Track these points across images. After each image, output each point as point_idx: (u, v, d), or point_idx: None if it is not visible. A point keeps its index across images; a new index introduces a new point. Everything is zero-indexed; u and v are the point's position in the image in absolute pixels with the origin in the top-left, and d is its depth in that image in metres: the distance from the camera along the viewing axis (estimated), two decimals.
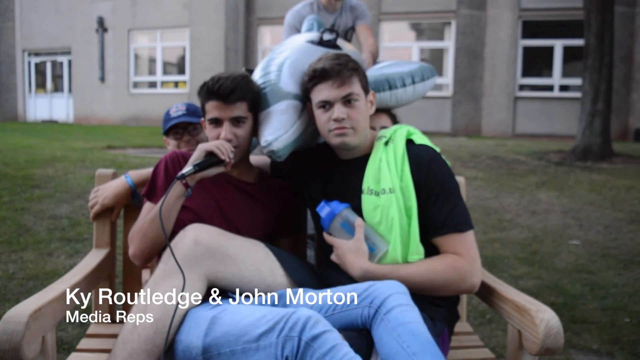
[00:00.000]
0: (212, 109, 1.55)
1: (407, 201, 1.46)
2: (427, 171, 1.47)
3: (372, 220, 1.48)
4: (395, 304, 1.25)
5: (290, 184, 1.73)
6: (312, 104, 1.55)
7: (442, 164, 1.50)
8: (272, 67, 1.63)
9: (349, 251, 1.45)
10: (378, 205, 1.46)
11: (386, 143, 1.53)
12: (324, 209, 1.51)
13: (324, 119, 1.51)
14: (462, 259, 1.43)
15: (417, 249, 1.45)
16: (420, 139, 1.56)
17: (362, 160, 1.55)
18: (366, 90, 1.56)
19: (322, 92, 1.50)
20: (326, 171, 1.62)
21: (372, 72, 1.84)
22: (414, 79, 1.86)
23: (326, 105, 1.50)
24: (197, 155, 1.47)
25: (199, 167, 1.44)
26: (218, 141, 1.49)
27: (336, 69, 1.48)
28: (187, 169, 1.43)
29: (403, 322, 1.22)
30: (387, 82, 1.84)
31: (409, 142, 1.54)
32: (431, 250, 1.47)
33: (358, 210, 1.51)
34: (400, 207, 1.45)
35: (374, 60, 2.17)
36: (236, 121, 1.55)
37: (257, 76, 1.66)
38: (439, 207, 1.45)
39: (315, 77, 1.51)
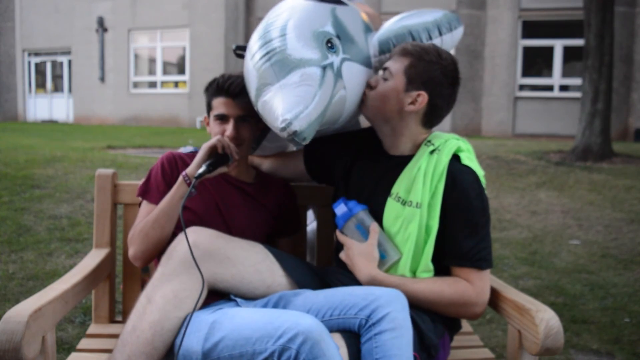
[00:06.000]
0: (220, 105, 1.56)
1: (430, 220, 1.40)
2: (462, 198, 1.40)
3: (391, 228, 1.44)
4: (389, 327, 1.23)
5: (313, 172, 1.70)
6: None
7: (480, 194, 1.42)
8: (273, 33, 1.36)
9: (360, 254, 1.42)
10: (400, 216, 1.42)
11: (432, 152, 1.44)
12: (340, 207, 1.48)
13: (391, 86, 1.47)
14: (472, 289, 1.39)
15: (427, 267, 1.42)
16: (468, 159, 1.45)
17: (401, 161, 1.49)
18: (414, 86, 1.44)
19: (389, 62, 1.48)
20: (363, 161, 1.58)
21: (392, 26, 1.59)
22: (440, 30, 1.58)
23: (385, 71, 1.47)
24: (202, 154, 1.46)
25: (213, 167, 1.44)
26: (219, 137, 1.49)
27: (406, 47, 1.45)
28: (202, 169, 1.42)
29: (387, 354, 1.20)
30: (410, 36, 1.56)
31: (455, 158, 1.45)
32: (440, 268, 1.44)
33: (378, 211, 1.47)
34: (421, 225, 1.40)
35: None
36: (242, 120, 1.55)
37: (254, 48, 1.38)
38: (464, 238, 1.39)
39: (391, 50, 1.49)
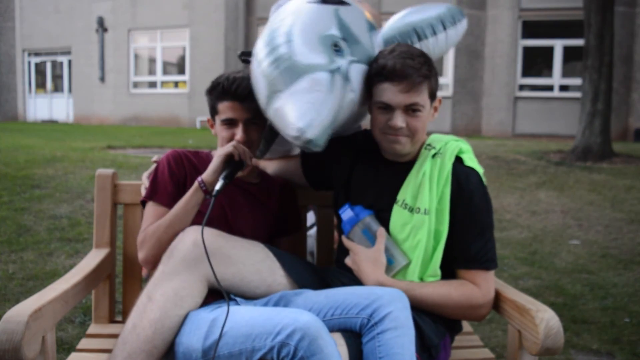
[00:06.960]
0: (227, 110, 1.54)
1: (439, 225, 1.40)
2: (469, 200, 1.41)
3: (398, 235, 1.43)
4: (391, 326, 1.23)
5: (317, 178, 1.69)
6: (372, 99, 1.43)
7: (484, 195, 1.44)
8: (279, 39, 1.36)
9: (367, 259, 1.41)
10: (408, 223, 1.41)
11: (434, 155, 1.44)
12: (346, 212, 1.46)
13: (381, 120, 1.40)
14: (479, 291, 1.40)
15: (434, 271, 1.42)
16: (470, 160, 1.47)
17: (404, 167, 1.47)
18: (433, 97, 1.43)
19: (384, 93, 1.38)
20: (362, 165, 1.55)
21: (396, 23, 1.57)
22: (444, 24, 1.57)
23: (386, 107, 1.39)
24: (218, 162, 1.45)
25: (230, 178, 1.43)
26: (234, 143, 1.48)
27: (407, 72, 1.34)
28: (220, 183, 1.41)
29: (390, 352, 1.21)
30: (415, 33, 1.55)
31: (457, 160, 1.45)
32: (447, 271, 1.44)
33: (383, 217, 1.46)
34: (430, 231, 1.40)
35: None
36: (250, 123, 1.54)
37: (261, 55, 1.37)
38: (472, 240, 1.41)
39: (381, 74, 1.37)
